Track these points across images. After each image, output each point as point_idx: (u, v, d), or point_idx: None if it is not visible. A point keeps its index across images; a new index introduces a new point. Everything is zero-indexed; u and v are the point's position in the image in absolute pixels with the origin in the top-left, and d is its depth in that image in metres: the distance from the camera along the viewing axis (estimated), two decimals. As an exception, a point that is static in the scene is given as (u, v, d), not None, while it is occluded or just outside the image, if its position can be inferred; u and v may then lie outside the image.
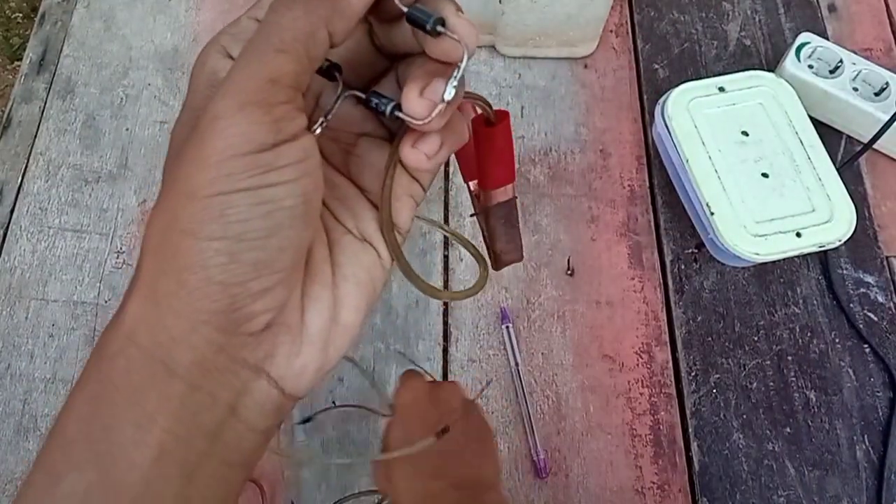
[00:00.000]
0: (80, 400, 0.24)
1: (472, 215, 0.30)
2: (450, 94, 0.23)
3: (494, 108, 0.27)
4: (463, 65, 0.23)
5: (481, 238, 0.34)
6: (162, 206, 0.22)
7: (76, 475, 0.22)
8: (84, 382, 0.24)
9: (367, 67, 0.27)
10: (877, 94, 0.70)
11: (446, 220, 0.67)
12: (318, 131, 0.23)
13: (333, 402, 0.60)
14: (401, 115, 0.24)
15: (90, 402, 0.24)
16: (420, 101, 0.23)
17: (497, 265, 0.33)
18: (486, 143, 0.29)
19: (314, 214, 0.24)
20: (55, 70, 0.73)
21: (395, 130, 0.26)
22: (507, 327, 0.63)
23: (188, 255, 0.21)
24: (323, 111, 0.25)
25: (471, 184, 0.31)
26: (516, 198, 0.31)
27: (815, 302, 0.66)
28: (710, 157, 0.64)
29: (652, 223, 0.69)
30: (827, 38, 0.75)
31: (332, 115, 0.24)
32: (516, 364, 0.61)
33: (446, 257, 0.66)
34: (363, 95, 0.25)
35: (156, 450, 0.22)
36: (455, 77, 0.23)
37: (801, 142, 0.65)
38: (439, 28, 0.23)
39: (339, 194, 0.27)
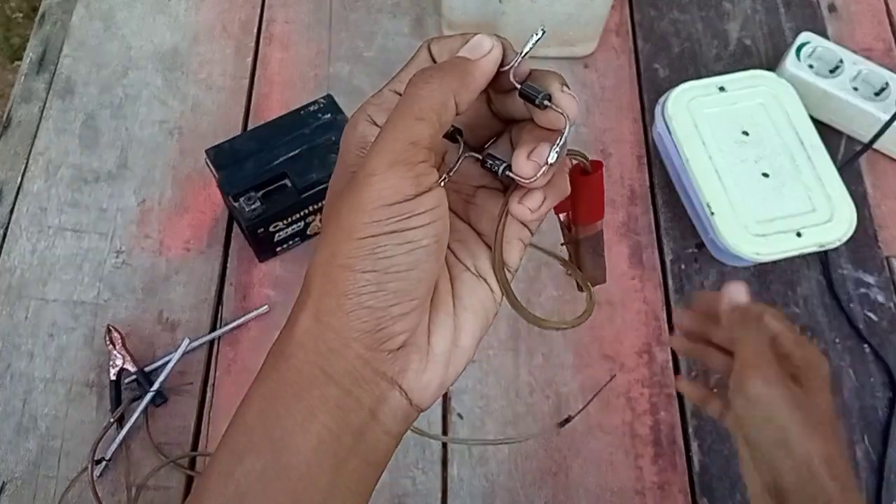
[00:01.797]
0: (259, 393, 0.29)
1: (562, 244, 0.37)
2: (553, 157, 0.28)
3: (590, 157, 0.32)
4: (566, 133, 0.28)
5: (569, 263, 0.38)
6: (325, 242, 0.28)
7: (254, 455, 0.27)
8: (262, 378, 0.29)
9: (485, 129, 0.32)
10: (877, 94, 0.70)
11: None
12: (443, 184, 0.28)
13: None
14: (511, 174, 0.29)
15: (267, 396, 0.28)
16: (528, 164, 0.28)
17: (582, 288, 0.38)
18: (582, 188, 0.34)
19: (443, 252, 0.29)
20: (55, 70, 0.73)
21: (507, 184, 0.31)
22: None
23: (345, 283, 0.27)
24: (447, 167, 0.30)
25: (561, 216, 0.35)
26: (602, 230, 0.36)
27: (815, 302, 0.66)
28: (710, 157, 0.64)
29: (652, 223, 0.69)
30: (827, 38, 0.75)
31: (454, 172, 0.29)
32: None
33: (446, 257, 0.66)
34: (480, 157, 0.30)
35: (315, 439, 0.27)
36: (558, 144, 0.28)
37: (801, 142, 0.65)
38: (546, 102, 0.28)
39: (461, 237, 0.32)
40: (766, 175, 0.64)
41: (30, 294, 0.63)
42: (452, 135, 0.30)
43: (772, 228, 0.61)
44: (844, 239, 0.61)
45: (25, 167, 0.68)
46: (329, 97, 0.62)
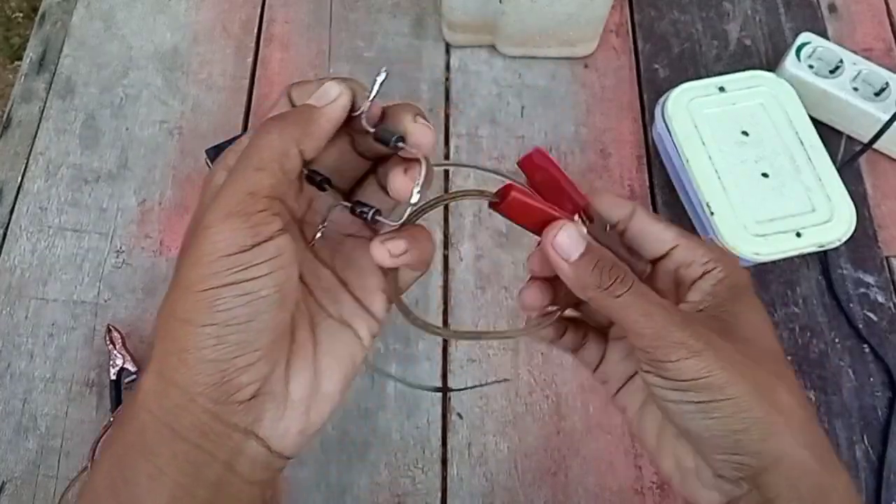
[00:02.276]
0: (106, 459, 0.29)
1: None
2: (415, 198, 0.29)
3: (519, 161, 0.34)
4: (423, 172, 0.29)
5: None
6: (167, 298, 0.28)
7: None
8: (108, 444, 0.29)
9: (353, 170, 0.33)
10: (877, 94, 0.70)
11: (445, 221, 0.67)
12: (318, 237, 0.29)
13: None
14: (380, 219, 0.30)
15: (113, 461, 0.28)
16: (393, 210, 0.30)
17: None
18: (514, 211, 0.34)
19: (289, 301, 0.28)
20: (55, 70, 0.73)
21: (379, 230, 0.32)
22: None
23: (186, 339, 0.27)
24: (315, 213, 0.31)
25: (575, 218, 0.34)
26: (603, 220, 0.35)
27: (814, 302, 0.66)
28: (710, 157, 0.64)
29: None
30: (827, 38, 0.75)
31: (325, 226, 0.30)
32: None
33: (446, 257, 0.66)
34: (349, 205, 0.31)
35: (167, 497, 0.27)
36: (418, 184, 0.29)
37: (801, 142, 0.65)
38: (400, 144, 0.29)
39: (324, 284, 0.32)
40: (765, 175, 0.64)
41: (30, 294, 0.63)
42: (320, 183, 0.30)
43: (771, 228, 0.61)
44: (844, 239, 0.61)
45: (25, 167, 0.68)
46: (329, 97, 0.62)
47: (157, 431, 0.27)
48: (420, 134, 0.29)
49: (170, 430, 0.27)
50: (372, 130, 0.29)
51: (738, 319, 0.33)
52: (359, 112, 0.29)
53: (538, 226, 0.33)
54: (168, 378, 0.28)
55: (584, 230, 0.33)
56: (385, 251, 0.29)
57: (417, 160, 0.29)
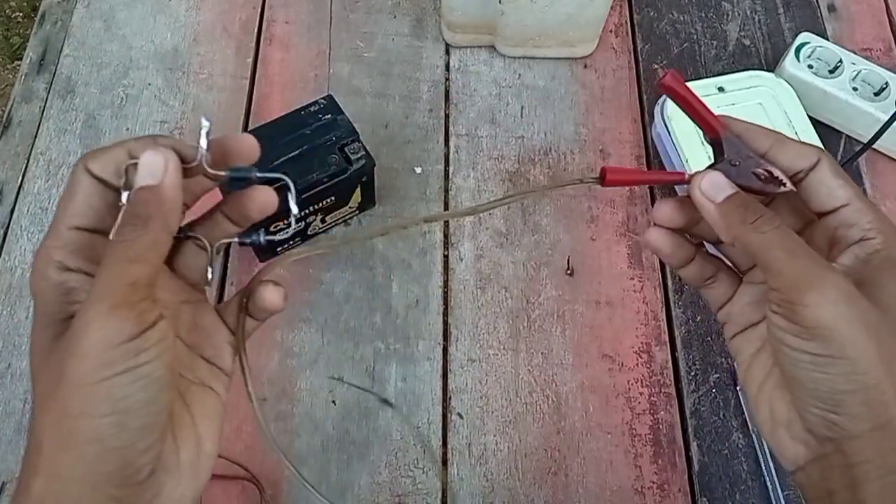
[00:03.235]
0: None
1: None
2: (295, 209, 0.33)
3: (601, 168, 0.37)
4: (293, 190, 0.34)
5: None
6: (51, 398, 0.27)
7: None
8: None
9: (222, 236, 0.35)
10: (876, 94, 0.70)
11: (445, 221, 0.67)
12: (210, 279, 0.32)
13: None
14: (271, 236, 0.33)
15: None
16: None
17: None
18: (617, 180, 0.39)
19: (176, 378, 0.30)
20: (55, 70, 0.73)
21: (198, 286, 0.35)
22: (743, 388, 0.61)
23: (85, 433, 0.27)
24: (208, 271, 0.34)
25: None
26: (730, 136, 0.37)
27: (814, 302, 0.66)
28: (709, 157, 0.64)
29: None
30: (826, 38, 0.75)
31: (215, 268, 0.32)
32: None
33: (446, 257, 0.66)
34: (236, 239, 0.32)
35: None
36: (291, 195, 0.33)
37: (800, 142, 0.65)
38: (258, 175, 0.33)
39: (179, 355, 0.33)
40: (765, 175, 0.64)
41: (30, 294, 0.63)
42: (187, 237, 0.32)
43: (771, 228, 0.61)
44: (844, 239, 0.61)
45: (26, 167, 0.68)
46: (329, 97, 0.62)
47: None
48: (260, 191, 0.33)
49: None
50: (223, 176, 0.31)
51: (882, 290, 0.32)
52: (194, 163, 0.30)
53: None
54: (67, 476, 0.27)
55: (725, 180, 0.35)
56: (279, 294, 0.35)
57: (285, 181, 0.32)
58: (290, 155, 0.59)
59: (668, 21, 0.79)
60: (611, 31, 0.78)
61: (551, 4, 0.68)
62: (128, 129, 0.70)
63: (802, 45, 0.71)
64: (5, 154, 0.69)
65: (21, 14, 1.72)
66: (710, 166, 0.36)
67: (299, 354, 0.61)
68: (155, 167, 0.29)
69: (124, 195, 0.30)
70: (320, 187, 0.59)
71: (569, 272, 0.66)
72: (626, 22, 0.79)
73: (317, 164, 0.59)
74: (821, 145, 0.65)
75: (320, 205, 0.61)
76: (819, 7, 0.80)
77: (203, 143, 0.30)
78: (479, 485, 0.58)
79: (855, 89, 0.70)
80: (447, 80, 0.75)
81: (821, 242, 0.35)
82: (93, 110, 0.71)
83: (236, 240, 0.32)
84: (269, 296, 0.35)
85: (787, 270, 0.31)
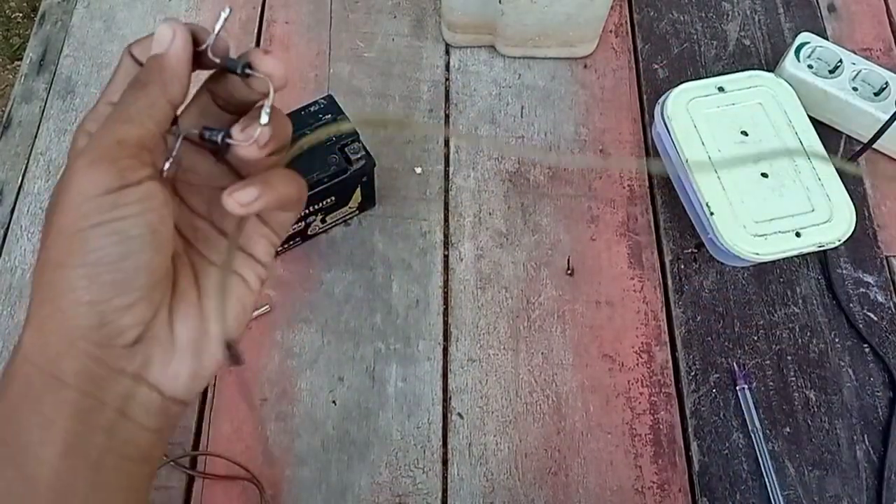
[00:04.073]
0: None
1: None
2: (264, 119, 0.29)
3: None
4: (271, 94, 0.29)
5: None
6: (41, 248, 0.28)
7: None
8: None
9: (217, 125, 0.32)
10: (876, 94, 0.70)
11: (445, 221, 0.67)
12: (167, 171, 0.29)
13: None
14: (230, 140, 0.30)
15: (2, 416, 0.28)
16: (238, 126, 0.29)
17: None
18: None
19: (164, 245, 0.29)
20: (55, 70, 0.73)
21: (239, 172, 0.33)
22: (743, 389, 0.62)
23: (60, 283, 0.27)
24: (189, 173, 0.32)
25: None
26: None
27: (814, 302, 0.66)
28: (709, 157, 0.64)
29: (652, 223, 0.69)
30: (826, 38, 0.75)
31: (176, 155, 0.30)
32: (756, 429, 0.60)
33: (446, 257, 0.66)
34: (196, 132, 0.30)
35: (60, 446, 0.27)
36: (267, 105, 0.29)
37: (800, 142, 0.65)
38: (248, 70, 0.29)
39: (203, 236, 0.33)
40: (765, 175, 0.64)
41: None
42: (210, 140, 0.31)
43: (771, 228, 0.61)
44: (844, 239, 0.61)
45: (26, 167, 0.68)
46: (330, 97, 0.62)
47: (42, 382, 0.28)
48: (268, 62, 0.30)
49: (54, 379, 0.28)
50: (217, 61, 0.30)
51: None
52: (204, 46, 0.30)
53: None
54: (46, 327, 0.28)
55: None
56: (234, 202, 0.29)
57: (264, 81, 0.30)
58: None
59: (668, 21, 0.79)
60: (611, 31, 0.78)
61: (551, 4, 0.68)
62: (128, 129, 0.70)
63: (802, 44, 0.71)
64: (5, 154, 0.69)
65: (21, 14, 1.72)
66: None
67: (299, 355, 0.61)
68: (164, 38, 0.29)
69: None
70: (320, 187, 0.59)
71: (569, 272, 0.66)
72: (626, 22, 0.79)
73: (317, 164, 0.59)
74: (821, 145, 0.65)
75: (320, 205, 0.61)
76: (819, 7, 0.80)
77: (217, 26, 0.30)
78: (480, 485, 0.58)
79: (855, 89, 0.70)
80: (447, 80, 0.75)
81: None
82: (93, 110, 0.71)
83: (195, 131, 0.31)
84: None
85: None
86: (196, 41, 0.30)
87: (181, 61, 0.29)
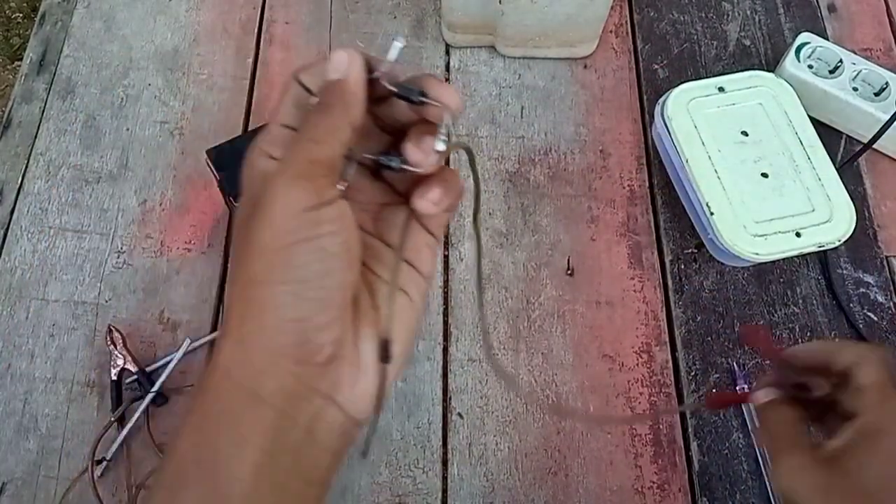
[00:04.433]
0: (188, 429, 0.29)
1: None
2: (440, 146, 0.30)
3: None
4: (446, 121, 0.30)
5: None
6: (239, 264, 0.28)
7: (190, 489, 0.27)
8: (189, 415, 0.29)
9: (376, 145, 0.34)
10: (877, 94, 0.70)
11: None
12: (342, 188, 0.30)
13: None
14: (404, 166, 0.31)
15: (197, 430, 0.28)
16: (415, 151, 0.30)
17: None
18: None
19: (355, 263, 0.30)
20: (55, 70, 0.73)
21: (409, 193, 0.33)
22: (743, 389, 0.61)
23: (265, 299, 0.28)
24: (344, 176, 0.31)
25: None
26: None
27: (814, 302, 0.66)
28: (709, 157, 0.64)
29: (652, 223, 0.69)
30: (827, 38, 0.75)
31: (350, 178, 0.31)
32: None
33: (446, 257, 0.66)
34: (374, 157, 0.31)
35: (251, 466, 0.27)
36: (441, 132, 0.30)
37: (800, 142, 0.65)
38: (422, 98, 0.30)
39: (374, 253, 0.33)
40: (765, 175, 0.64)
41: (30, 294, 0.63)
42: (378, 161, 0.32)
43: (771, 228, 0.61)
44: (844, 239, 0.61)
45: (26, 167, 0.68)
46: (329, 97, 0.62)
47: (240, 399, 0.28)
48: (444, 91, 0.30)
49: (253, 397, 0.28)
50: (394, 89, 0.31)
51: (868, 472, 0.36)
52: (376, 74, 0.31)
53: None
54: (249, 343, 0.28)
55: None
56: (427, 203, 0.30)
57: (439, 109, 0.30)
58: (291, 155, 0.59)
59: (669, 21, 0.79)
60: (611, 32, 0.78)
61: (551, 5, 0.68)
62: (128, 129, 0.70)
63: (803, 45, 0.71)
64: (5, 154, 0.69)
65: (21, 14, 1.72)
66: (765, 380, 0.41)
67: (299, 355, 0.61)
68: (341, 64, 0.30)
69: (312, 99, 0.32)
70: (320, 187, 0.59)
71: (569, 272, 0.66)
72: (626, 22, 0.79)
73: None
74: (821, 145, 0.65)
75: (320, 205, 0.61)
76: (819, 7, 0.80)
77: (391, 55, 0.31)
78: (479, 485, 0.58)
79: (855, 89, 0.70)
80: (447, 80, 0.75)
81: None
82: (93, 111, 0.71)
83: (379, 157, 0.32)
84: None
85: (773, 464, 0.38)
86: (369, 68, 0.31)
87: (359, 86, 0.30)
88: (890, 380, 0.37)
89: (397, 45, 0.31)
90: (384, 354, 0.31)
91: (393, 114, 0.32)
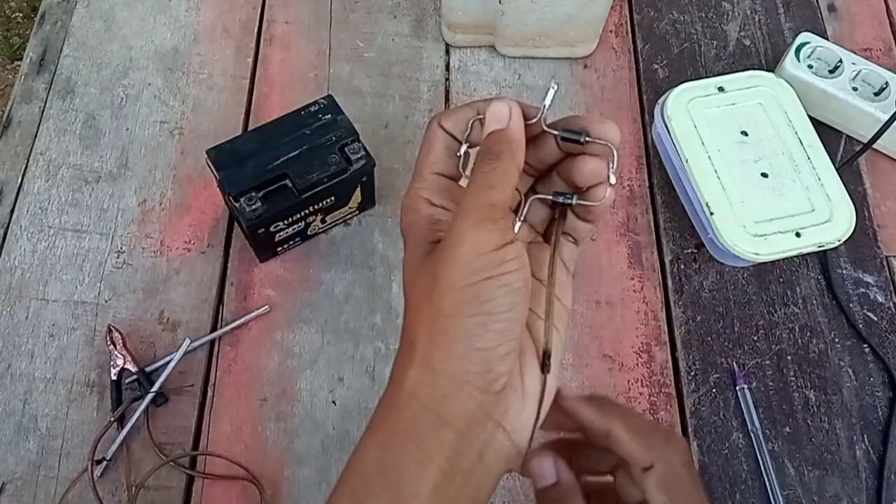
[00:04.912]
0: (373, 443, 0.31)
1: None
2: (613, 179, 0.33)
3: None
4: (616, 156, 0.33)
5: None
6: (428, 300, 0.31)
7: (374, 500, 0.30)
8: (374, 431, 0.32)
9: (523, 183, 0.37)
10: (876, 94, 0.70)
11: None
12: (519, 224, 0.33)
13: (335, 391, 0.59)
14: (582, 202, 0.34)
15: (382, 445, 0.31)
16: (599, 188, 0.33)
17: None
18: None
19: (528, 296, 0.32)
20: (55, 70, 0.73)
21: (552, 226, 0.36)
22: (743, 389, 0.62)
23: (455, 330, 0.30)
24: (518, 214, 0.34)
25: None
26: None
27: (814, 302, 0.66)
28: (709, 157, 0.64)
29: (652, 223, 0.69)
30: (826, 38, 0.75)
31: (526, 215, 0.34)
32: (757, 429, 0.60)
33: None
34: (549, 197, 0.34)
35: (431, 483, 0.30)
36: (613, 167, 0.33)
37: (800, 142, 0.65)
38: (587, 138, 0.33)
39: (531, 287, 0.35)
40: (765, 175, 0.64)
41: (30, 294, 0.63)
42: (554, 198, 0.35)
43: (771, 228, 0.61)
44: (844, 239, 0.61)
45: (26, 167, 0.68)
46: (329, 97, 0.62)
47: (426, 420, 0.30)
48: (606, 128, 0.33)
49: (439, 419, 0.30)
50: (556, 133, 0.33)
51: None
52: (534, 120, 0.34)
53: None
54: (437, 369, 0.30)
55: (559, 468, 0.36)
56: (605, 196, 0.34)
57: (608, 147, 0.33)
58: (290, 155, 0.59)
59: (669, 21, 0.79)
60: (611, 31, 0.78)
61: (551, 4, 0.68)
62: (127, 129, 0.70)
63: (802, 44, 0.71)
64: (5, 154, 0.69)
65: (21, 14, 1.72)
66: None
67: (299, 355, 0.61)
68: (502, 114, 0.33)
69: (463, 147, 0.34)
70: (320, 187, 0.59)
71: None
72: (626, 22, 0.79)
73: (317, 164, 0.59)
74: (821, 145, 0.65)
75: (320, 205, 0.61)
76: (819, 7, 0.80)
77: (547, 102, 0.34)
78: (480, 485, 0.58)
79: (855, 89, 0.70)
80: (447, 80, 0.75)
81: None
82: (93, 110, 0.71)
83: (549, 197, 0.35)
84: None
85: None
86: (524, 115, 0.33)
87: (521, 133, 0.33)
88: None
89: (551, 91, 0.34)
90: (545, 364, 0.33)
91: (540, 155, 0.35)
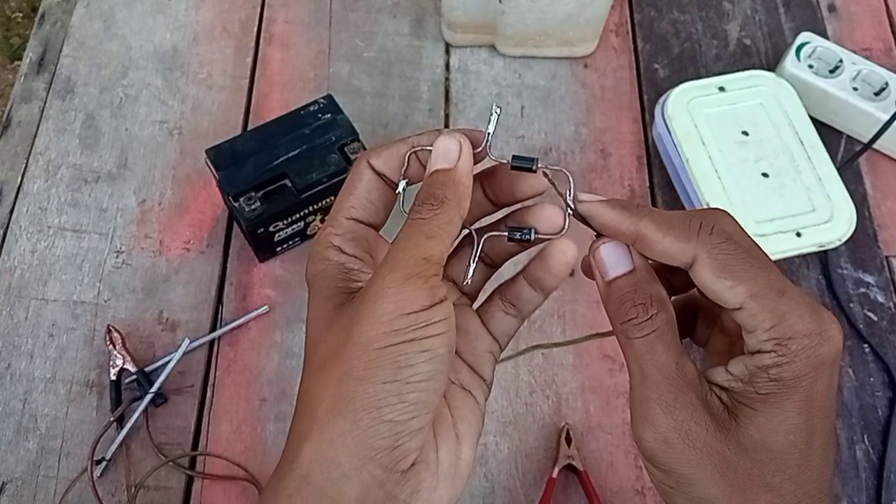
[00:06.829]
0: None
1: None
2: (570, 210, 0.32)
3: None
4: (572, 186, 0.32)
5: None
6: (337, 359, 0.27)
7: None
8: None
9: (480, 214, 0.34)
10: (877, 94, 0.70)
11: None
12: (469, 281, 0.31)
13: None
14: (541, 235, 0.32)
15: None
16: (555, 217, 0.32)
17: None
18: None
19: (451, 364, 0.28)
20: (55, 70, 0.73)
21: (470, 294, 0.35)
22: None
23: (363, 398, 0.26)
24: (468, 266, 0.31)
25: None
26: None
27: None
28: (710, 157, 0.64)
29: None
30: (827, 38, 0.75)
31: (477, 260, 0.32)
32: None
33: (446, 257, 0.66)
34: (504, 233, 0.32)
35: None
36: (570, 196, 0.32)
37: (801, 142, 0.65)
38: (540, 166, 0.31)
39: None
40: (765, 175, 0.64)
41: (30, 294, 0.63)
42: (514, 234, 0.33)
43: (771, 228, 0.61)
44: (844, 239, 0.61)
45: (25, 167, 0.68)
46: (329, 97, 0.62)
47: None
48: (545, 213, 0.32)
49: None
50: (504, 162, 0.31)
51: (749, 422, 0.28)
52: (479, 148, 0.31)
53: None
54: (338, 442, 0.26)
55: (633, 254, 0.32)
56: (567, 253, 0.32)
57: (564, 173, 0.31)
58: (290, 154, 0.59)
59: (669, 21, 0.79)
60: (611, 31, 0.78)
61: (552, 4, 0.68)
62: (127, 129, 0.70)
63: (803, 44, 0.71)
64: (5, 154, 0.69)
65: (21, 14, 1.72)
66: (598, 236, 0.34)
67: (299, 355, 0.61)
68: (450, 152, 0.30)
69: (401, 185, 0.31)
70: (320, 187, 0.59)
71: (569, 272, 0.66)
72: (626, 21, 0.79)
73: (317, 164, 0.59)
74: (821, 145, 0.65)
75: (320, 205, 0.61)
76: (819, 7, 0.80)
77: (491, 128, 0.31)
78: (480, 485, 0.58)
79: (855, 89, 0.70)
80: (447, 79, 0.75)
81: (721, 346, 0.34)
82: (92, 110, 0.71)
83: (505, 234, 0.32)
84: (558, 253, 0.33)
85: (635, 389, 0.30)
86: (472, 144, 0.30)
87: (469, 176, 0.30)
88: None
89: (495, 116, 0.31)
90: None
91: (502, 185, 0.32)
